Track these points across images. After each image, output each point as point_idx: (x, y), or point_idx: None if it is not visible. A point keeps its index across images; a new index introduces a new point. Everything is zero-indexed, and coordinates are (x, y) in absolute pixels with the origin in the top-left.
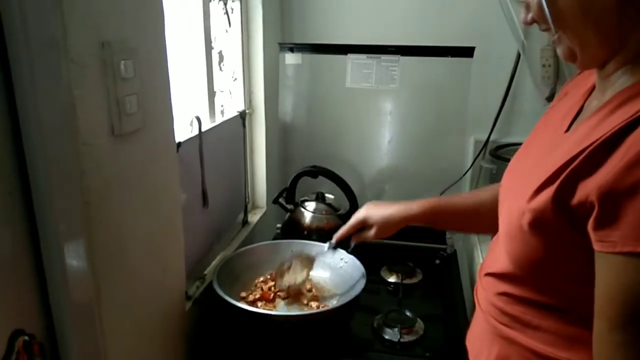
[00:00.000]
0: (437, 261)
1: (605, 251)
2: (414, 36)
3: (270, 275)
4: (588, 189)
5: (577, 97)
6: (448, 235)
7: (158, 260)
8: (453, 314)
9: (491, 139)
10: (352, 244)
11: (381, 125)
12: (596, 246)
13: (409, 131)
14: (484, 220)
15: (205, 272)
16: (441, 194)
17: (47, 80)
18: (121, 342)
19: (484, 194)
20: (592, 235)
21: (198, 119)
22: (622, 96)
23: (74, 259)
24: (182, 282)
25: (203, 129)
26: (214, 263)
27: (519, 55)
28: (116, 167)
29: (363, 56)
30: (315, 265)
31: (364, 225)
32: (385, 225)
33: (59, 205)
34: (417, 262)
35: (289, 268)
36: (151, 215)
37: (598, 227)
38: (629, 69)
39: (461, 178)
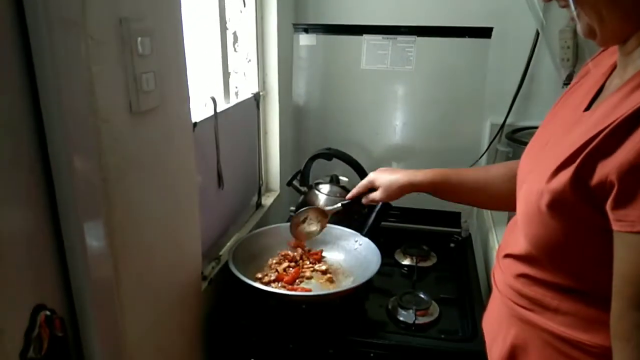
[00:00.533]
0: (452, 244)
1: (624, 230)
2: (431, 16)
3: (285, 255)
4: (608, 168)
5: (597, 76)
6: (463, 219)
7: (174, 240)
8: (468, 297)
9: (507, 122)
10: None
11: (396, 107)
12: (615, 226)
13: (424, 114)
14: (491, 196)
15: (221, 253)
16: None
17: (67, 56)
18: (139, 320)
19: (495, 170)
20: (611, 215)
21: (213, 99)
22: None
23: (93, 237)
24: (198, 262)
25: (218, 110)
26: (229, 244)
27: (536, 37)
28: (134, 145)
29: (379, 37)
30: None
31: (372, 187)
32: (390, 187)
33: (79, 183)
34: (432, 245)
35: (304, 220)
36: (168, 195)
37: (617, 206)
38: None
39: (477, 161)
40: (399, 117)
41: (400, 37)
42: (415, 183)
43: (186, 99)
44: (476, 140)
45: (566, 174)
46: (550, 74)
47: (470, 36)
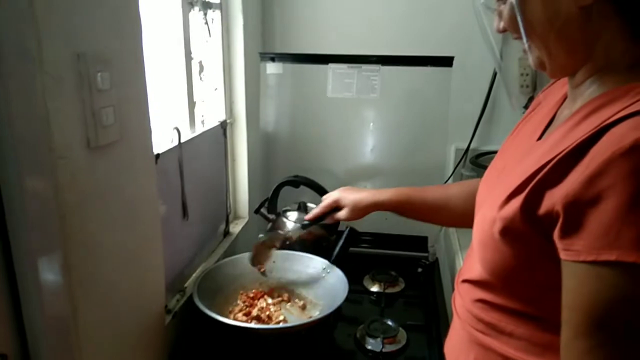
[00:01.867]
0: (419, 269)
1: (570, 260)
2: (395, 46)
3: (254, 293)
4: (554, 198)
5: (549, 106)
6: (430, 243)
7: (136, 274)
8: (435, 323)
9: (471, 147)
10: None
11: (363, 133)
12: (561, 255)
13: (391, 139)
14: (450, 214)
15: (186, 284)
16: None
17: (22, 93)
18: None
19: (453, 188)
20: (558, 243)
21: (177, 130)
22: (590, 106)
23: (49, 274)
24: (162, 295)
25: (183, 140)
26: (194, 275)
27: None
28: (93, 180)
29: (344, 66)
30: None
31: (336, 206)
32: (356, 207)
33: (34, 219)
34: (400, 270)
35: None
36: (129, 228)
37: (563, 235)
38: (597, 79)
39: None
40: (366, 143)
41: (365, 66)
42: (379, 202)
43: (148, 132)
44: (442, 164)
45: (516, 202)
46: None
47: (433, 65)
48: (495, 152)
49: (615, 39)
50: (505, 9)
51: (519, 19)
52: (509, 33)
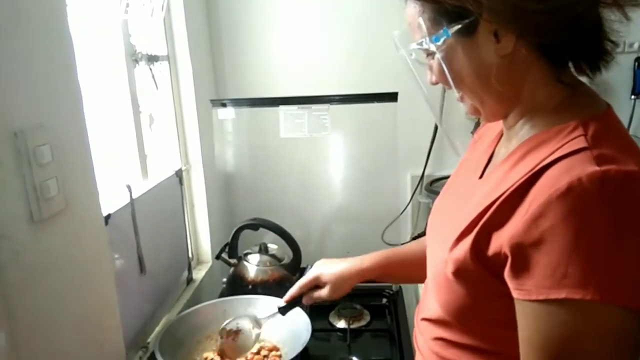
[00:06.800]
0: (384, 300)
1: (522, 299)
2: (343, 84)
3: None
4: (501, 239)
5: (488, 142)
6: None
7: (93, 338)
8: (401, 355)
9: (426, 173)
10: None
11: (319, 170)
12: (514, 294)
13: (347, 174)
14: None
15: (149, 339)
16: (384, 231)
17: None
18: None
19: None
20: (510, 283)
21: (128, 187)
22: (525, 147)
23: None
24: (122, 355)
25: (137, 194)
26: (158, 328)
27: (444, 91)
28: (39, 254)
29: (294, 107)
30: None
31: (316, 284)
32: (339, 282)
33: None
34: (365, 302)
35: (235, 332)
36: (82, 295)
37: (514, 276)
38: (529, 120)
39: (402, 213)
40: (323, 179)
41: (314, 106)
42: (363, 272)
43: (94, 195)
44: (400, 192)
45: (466, 244)
46: (461, 123)
47: (378, 101)
48: (448, 177)
49: (539, 82)
50: (434, 63)
51: (446, 72)
52: None
